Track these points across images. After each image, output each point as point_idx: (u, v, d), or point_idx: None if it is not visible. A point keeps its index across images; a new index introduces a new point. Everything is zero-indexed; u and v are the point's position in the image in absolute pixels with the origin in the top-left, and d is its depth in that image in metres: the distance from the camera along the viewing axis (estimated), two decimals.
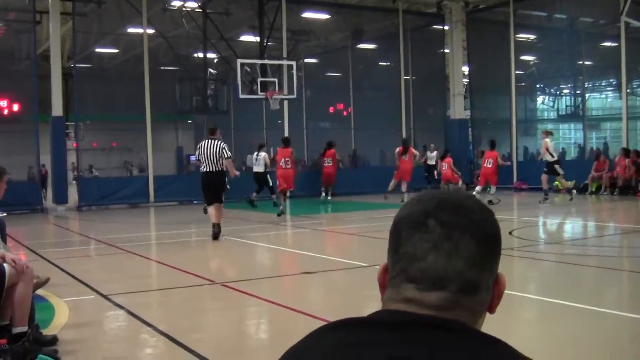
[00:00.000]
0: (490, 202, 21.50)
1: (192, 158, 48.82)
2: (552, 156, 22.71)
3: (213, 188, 15.63)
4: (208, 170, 15.46)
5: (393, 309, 1.38)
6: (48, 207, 25.46)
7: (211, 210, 15.66)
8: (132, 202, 26.41)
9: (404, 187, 24.24)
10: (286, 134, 28.86)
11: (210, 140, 15.58)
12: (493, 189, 23.15)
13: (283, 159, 21.68)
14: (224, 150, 15.45)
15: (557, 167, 22.78)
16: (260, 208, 23.14)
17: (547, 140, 22.48)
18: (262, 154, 24.34)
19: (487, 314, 1.45)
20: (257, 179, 24.28)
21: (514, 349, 1.31)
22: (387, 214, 20.48)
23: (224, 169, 15.60)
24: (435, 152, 28.65)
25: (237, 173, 16.40)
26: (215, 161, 15.38)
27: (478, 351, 1.27)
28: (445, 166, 25.92)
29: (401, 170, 24.45)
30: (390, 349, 1.27)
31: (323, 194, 26.47)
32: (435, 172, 28.22)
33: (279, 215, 20.11)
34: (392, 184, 24.51)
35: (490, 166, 22.97)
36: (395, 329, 1.31)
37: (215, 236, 15.30)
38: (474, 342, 1.29)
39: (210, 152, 15.41)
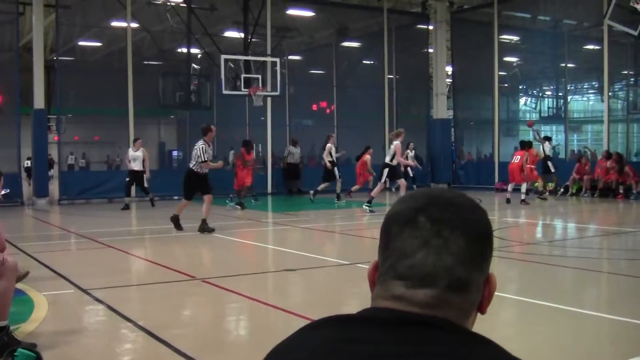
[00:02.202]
0: (522, 201, 22.79)
1: (175, 153, 48.81)
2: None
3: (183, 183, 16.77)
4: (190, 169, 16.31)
5: (381, 306, 1.37)
6: (27, 200, 25.30)
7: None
8: (113, 196, 26.28)
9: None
10: (269, 131, 28.99)
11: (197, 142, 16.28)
12: (523, 187, 23.27)
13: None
14: (197, 151, 16.01)
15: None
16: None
17: (399, 142, 21.43)
18: (329, 145, 25.12)
19: (479, 315, 1.45)
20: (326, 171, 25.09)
21: (503, 349, 1.30)
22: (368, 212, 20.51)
23: (197, 170, 16.01)
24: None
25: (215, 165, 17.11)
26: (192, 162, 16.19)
27: (465, 349, 1.26)
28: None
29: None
30: (377, 347, 1.27)
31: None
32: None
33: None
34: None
35: (517, 162, 23.44)
36: (383, 326, 1.30)
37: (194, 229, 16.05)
38: (461, 340, 1.29)
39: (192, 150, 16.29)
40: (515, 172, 23.24)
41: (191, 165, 16.07)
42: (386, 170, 20.88)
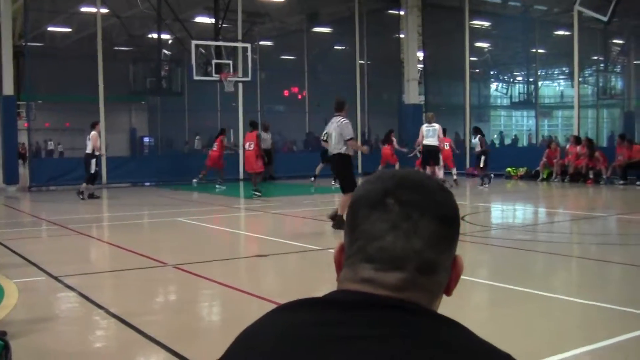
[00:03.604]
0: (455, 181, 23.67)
1: (146, 140, 48.55)
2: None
3: (336, 173, 14.63)
4: (330, 152, 13.88)
5: (349, 289, 1.37)
6: None
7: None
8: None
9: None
10: (240, 117, 28.92)
11: (332, 118, 13.86)
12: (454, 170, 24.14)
13: (248, 142, 22.02)
14: (343, 130, 13.48)
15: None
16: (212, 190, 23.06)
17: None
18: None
19: (452, 300, 1.46)
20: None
21: (470, 331, 1.31)
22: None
23: (346, 152, 13.62)
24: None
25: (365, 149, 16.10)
26: (334, 142, 13.66)
27: (433, 332, 1.27)
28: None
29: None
30: (345, 329, 1.26)
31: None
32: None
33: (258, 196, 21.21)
34: None
35: (448, 148, 24.47)
36: (351, 309, 1.30)
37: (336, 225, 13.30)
38: (430, 323, 1.29)
39: (330, 131, 13.73)
40: (449, 159, 23.98)
41: (338, 149, 13.54)
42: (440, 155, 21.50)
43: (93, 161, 21.31)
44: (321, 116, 33.00)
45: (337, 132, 13.44)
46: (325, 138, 13.91)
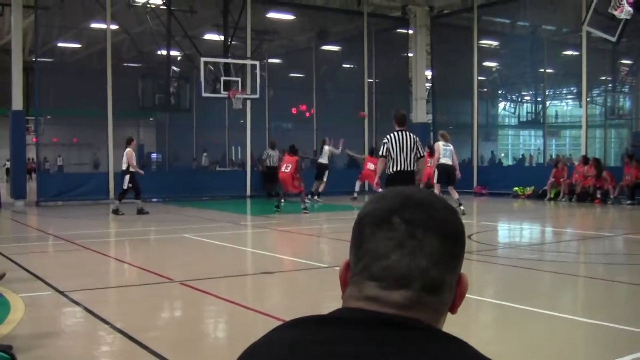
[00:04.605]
0: None
1: (154, 156, 48.64)
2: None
3: None
4: (400, 169, 12.56)
5: (354, 307, 1.37)
6: (5, 201, 25.11)
7: None
8: (92, 198, 26.14)
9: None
10: (248, 134, 28.99)
11: (400, 133, 12.76)
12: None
13: (285, 164, 21.82)
14: (420, 147, 12.78)
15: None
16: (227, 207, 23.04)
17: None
18: (326, 147, 26.26)
19: (449, 314, 1.45)
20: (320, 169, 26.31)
21: (474, 349, 1.31)
22: (347, 215, 20.51)
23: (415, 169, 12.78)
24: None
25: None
26: (408, 159, 12.57)
27: (439, 350, 1.27)
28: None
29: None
30: (349, 347, 1.27)
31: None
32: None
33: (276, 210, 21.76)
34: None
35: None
36: (356, 326, 1.30)
37: None
38: (434, 341, 1.29)
39: (405, 147, 12.58)
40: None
41: (412, 166, 12.65)
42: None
43: (127, 177, 21.31)
44: (330, 134, 33.09)
45: (412, 147, 12.61)
46: (384, 154, 12.74)
